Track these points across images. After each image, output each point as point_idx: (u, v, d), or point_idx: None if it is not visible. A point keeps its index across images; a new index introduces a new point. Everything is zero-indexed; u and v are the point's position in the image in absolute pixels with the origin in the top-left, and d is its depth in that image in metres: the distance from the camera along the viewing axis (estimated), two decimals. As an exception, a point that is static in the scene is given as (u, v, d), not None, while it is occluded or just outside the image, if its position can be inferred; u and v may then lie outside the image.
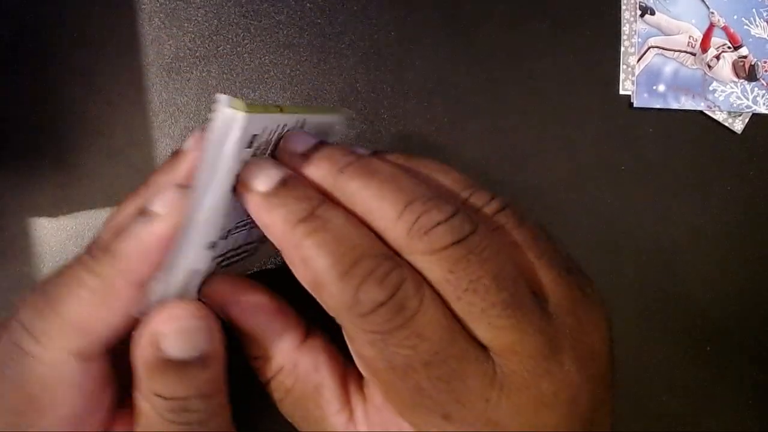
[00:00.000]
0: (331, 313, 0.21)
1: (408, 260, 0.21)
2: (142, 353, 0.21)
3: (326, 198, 0.22)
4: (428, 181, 0.23)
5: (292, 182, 0.21)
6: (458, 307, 0.20)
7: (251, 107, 0.20)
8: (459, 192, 0.23)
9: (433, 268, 0.20)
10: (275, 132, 0.23)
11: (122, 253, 0.21)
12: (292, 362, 0.24)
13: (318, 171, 0.22)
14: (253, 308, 0.24)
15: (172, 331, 0.21)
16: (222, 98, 0.20)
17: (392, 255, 0.21)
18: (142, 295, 0.22)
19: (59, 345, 0.21)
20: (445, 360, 0.20)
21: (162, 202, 0.21)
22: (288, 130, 0.24)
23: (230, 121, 0.20)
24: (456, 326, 0.20)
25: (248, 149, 0.21)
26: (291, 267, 0.21)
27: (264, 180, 0.21)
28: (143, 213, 0.22)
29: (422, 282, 0.20)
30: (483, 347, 0.21)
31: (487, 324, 0.20)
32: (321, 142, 0.23)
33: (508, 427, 0.20)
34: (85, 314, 0.21)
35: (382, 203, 0.21)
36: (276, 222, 0.21)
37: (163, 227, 0.21)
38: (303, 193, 0.21)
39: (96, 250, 0.22)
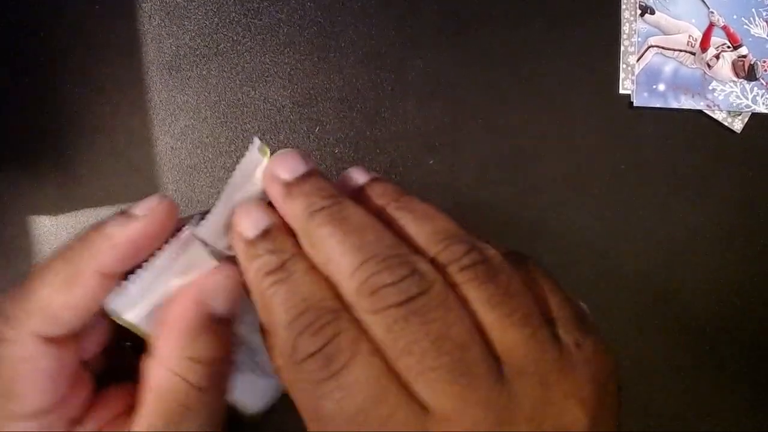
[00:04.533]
0: (275, 360, 0.22)
1: (356, 316, 0.21)
2: (186, 315, 0.22)
3: (298, 250, 0.23)
4: (401, 230, 0.23)
5: (273, 233, 0.23)
6: (398, 367, 0.20)
7: None
8: (433, 244, 0.23)
9: (374, 327, 0.20)
10: None
11: (93, 243, 0.22)
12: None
13: (293, 209, 0.23)
14: None
15: (221, 286, 0.23)
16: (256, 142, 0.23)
17: (337, 309, 0.21)
18: (109, 288, 0.23)
19: (27, 328, 0.22)
20: (367, 419, 0.20)
21: (143, 206, 0.23)
22: None
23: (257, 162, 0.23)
24: (392, 386, 0.20)
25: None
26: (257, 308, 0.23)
27: (249, 228, 0.23)
28: (124, 213, 0.23)
29: (361, 338, 0.21)
30: (425, 408, 0.20)
31: (425, 387, 0.20)
32: (308, 172, 0.23)
33: None
34: (51, 298, 0.22)
35: (341, 257, 0.21)
36: (249, 271, 0.23)
37: (137, 228, 0.22)
38: (278, 246, 0.23)
39: (71, 241, 0.23)
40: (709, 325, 0.40)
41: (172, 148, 0.38)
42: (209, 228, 0.23)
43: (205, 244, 0.23)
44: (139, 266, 0.23)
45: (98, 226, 0.23)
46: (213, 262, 0.23)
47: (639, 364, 0.40)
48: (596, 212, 0.40)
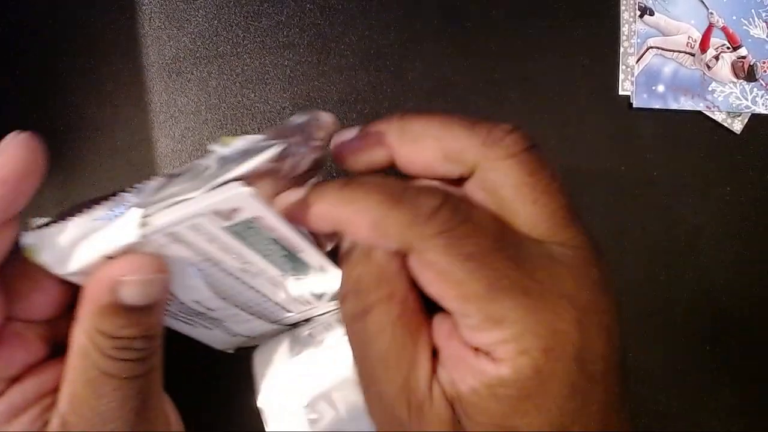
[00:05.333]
0: (399, 243, 0.22)
1: (484, 169, 0.23)
2: (96, 295, 0.22)
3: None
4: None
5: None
6: (531, 210, 0.23)
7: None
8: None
9: (512, 172, 0.22)
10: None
11: None
12: (401, 292, 0.24)
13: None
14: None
15: (133, 282, 0.22)
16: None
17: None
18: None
19: None
20: (508, 245, 0.22)
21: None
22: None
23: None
24: (507, 223, 0.23)
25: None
26: (355, 238, 0.23)
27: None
28: None
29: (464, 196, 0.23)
30: (539, 240, 0.23)
31: (554, 224, 0.23)
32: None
33: (578, 301, 0.22)
34: None
35: (450, 130, 0.23)
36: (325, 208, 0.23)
37: None
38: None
39: None
40: (709, 325, 0.40)
41: (173, 150, 0.38)
42: (158, 210, 0.22)
43: (144, 218, 0.22)
44: (72, 215, 0.22)
45: None
46: (142, 242, 0.22)
47: (639, 363, 0.40)
48: (596, 213, 0.40)
